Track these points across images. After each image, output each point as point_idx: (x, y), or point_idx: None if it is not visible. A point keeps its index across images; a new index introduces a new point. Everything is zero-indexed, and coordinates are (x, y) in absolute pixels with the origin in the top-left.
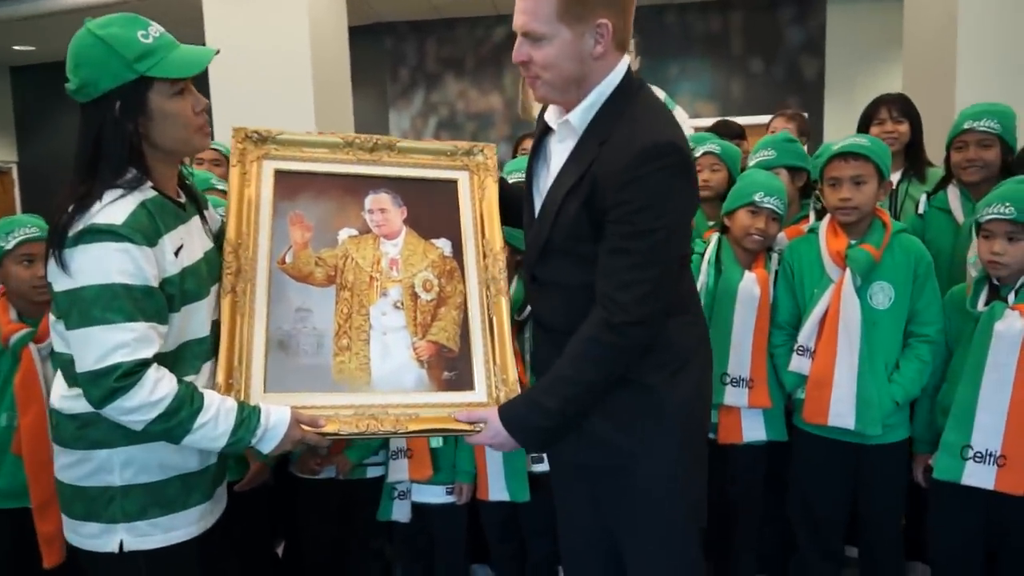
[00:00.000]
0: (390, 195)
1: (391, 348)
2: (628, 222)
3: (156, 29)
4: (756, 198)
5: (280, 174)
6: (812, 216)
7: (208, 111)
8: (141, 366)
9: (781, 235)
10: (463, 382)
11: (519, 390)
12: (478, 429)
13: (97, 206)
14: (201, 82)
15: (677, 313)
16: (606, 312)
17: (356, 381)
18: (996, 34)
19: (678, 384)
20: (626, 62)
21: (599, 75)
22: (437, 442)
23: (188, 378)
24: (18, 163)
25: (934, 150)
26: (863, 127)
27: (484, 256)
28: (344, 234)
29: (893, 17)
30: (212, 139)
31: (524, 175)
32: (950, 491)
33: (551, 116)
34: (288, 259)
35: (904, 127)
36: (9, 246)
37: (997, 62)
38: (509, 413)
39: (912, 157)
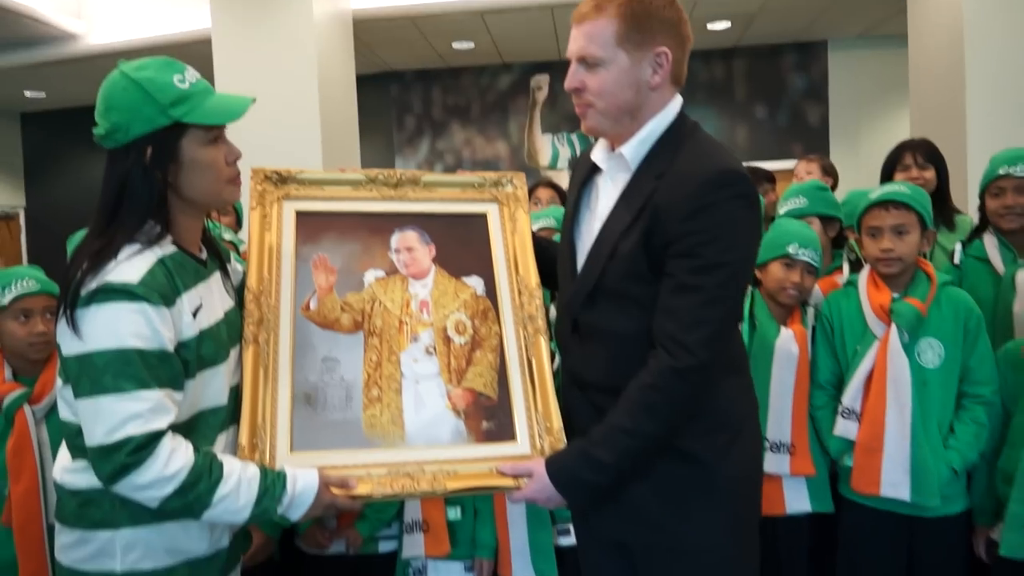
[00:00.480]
0: (417, 232)
1: (425, 398)
2: (695, 255)
3: (192, 74)
4: (790, 250)
5: (301, 215)
6: (846, 267)
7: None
8: (154, 438)
9: (816, 288)
10: (503, 432)
11: (564, 440)
12: (522, 484)
13: (112, 263)
14: None
15: (731, 373)
16: (669, 356)
17: (389, 435)
18: (1005, 75)
19: (732, 455)
20: (680, 100)
21: (654, 107)
22: (455, 514)
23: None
24: (25, 208)
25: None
26: (887, 174)
27: (519, 293)
28: (370, 276)
29: (896, 61)
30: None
31: (547, 224)
32: (1020, 570)
33: (599, 155)
34: (312, 305)
35: (930, 173)
36: (5, 301)
37: (1007, 103)
38: (557, 466)
39: (939, 204)
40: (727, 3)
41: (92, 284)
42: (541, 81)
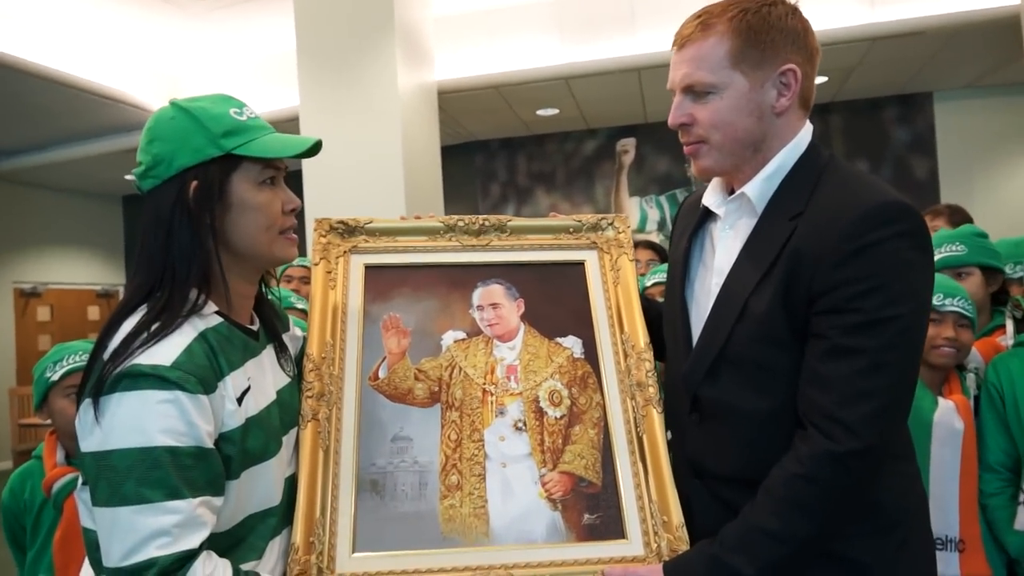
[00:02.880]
0: (503, 286)
1: (513, 484)
2: (854, 309)
3: (251, 110)
4: (936, 301)
5: (371, 270)
6: (1010, 326)
7: (299, 215)
8: (184, 560)
9: (974, 351)
10: (610, 528)
11: (686, 538)
12: None
13: (142, 339)
14: (296, 194)
15: (897, 459)
16: (825, 438)
17: (471, 532)
18: None
19: (903, 562)
20: (810, 127)
21: (781, 137)
22: None
23: (248, 565)
24: (125, 286)
25: None
26: None
27: (625, 356)
28: (449, 338)
29: (1010, 110)
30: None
31: (660, 280)
32: None
33: (712, 199)
34: (382, 374)
35: None
36: (55, 377)
37: None
38: (682, 574)
39: None
40: (825, 57)
41: (118, 367)
42: (627, 144)
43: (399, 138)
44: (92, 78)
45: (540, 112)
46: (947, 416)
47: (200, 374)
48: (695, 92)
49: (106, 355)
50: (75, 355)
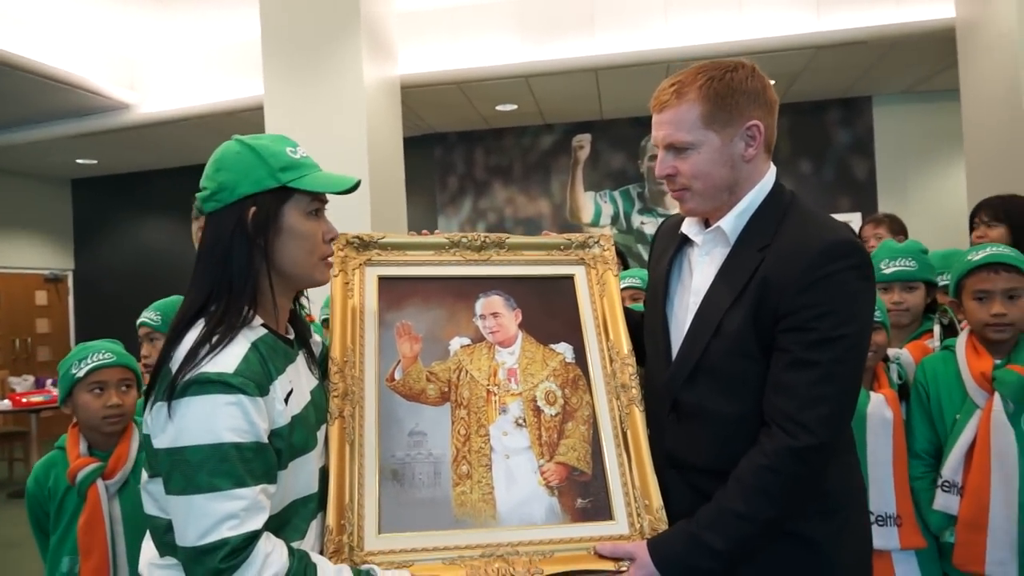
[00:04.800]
0: (502, 297)
1: (516, 473)
2: (811, 329)
3: (304, 150)
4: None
5: (384, 281)
6: (938, 331)
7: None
8: (251, 539)
9: (906, 352)
10: (600, 511)
11: (665, 519)
12: (623, 568)
13: (206, 348)
14: None
15: (840, 452)
16: (787, 436)
17: (480, 515)
18: None
19: (845, 538)
20: (774, 170)
21: (751, 179)
22: None
23: (293, 543)
24: (74, 271)
25: None
26: (970, 232)
27: (611, 361)
28: (456, 344)
29: (943, 114)
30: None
31: (632, 284)
32: None
33: (691, 229)
34: (397, 376)
35: (996, 232)
36: (80, 374)
37: None
38: (664, 550)
39: None
40: (771, 63)
41: (187, 374)
42: (583, 140)
43: (364, 130)
44: (47, 61)
45: (499, 107)
46: (878, 408)
47: (257, 379)
48: (675, 149)
49: (173, 363)
50: (98, 353)
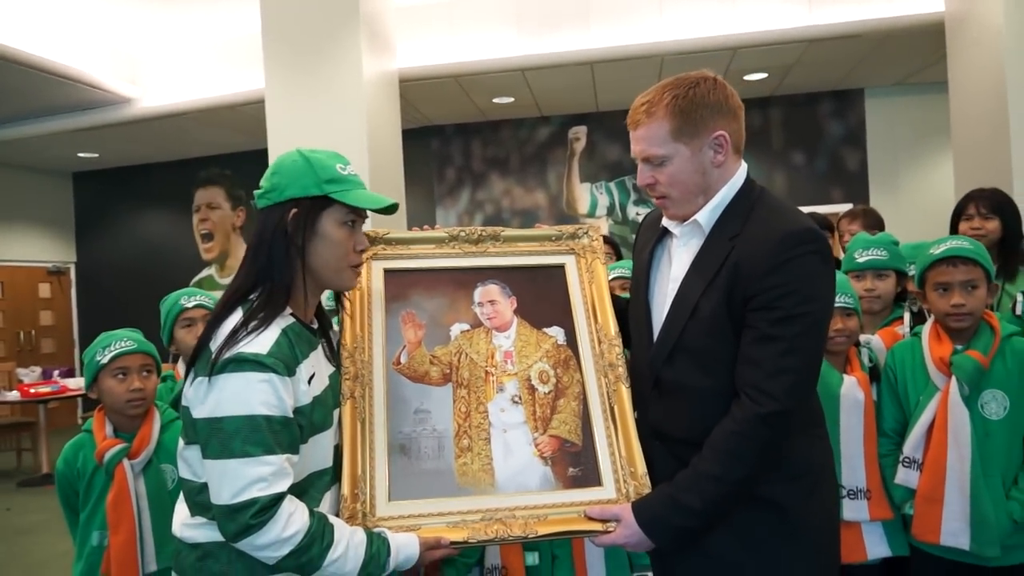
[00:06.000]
0: (499, 286)
1: (513, 446)
2: (775, 307)
3: (353, 169)
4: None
5: (389, 273)
6: (907, 318)
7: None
8: (277, 500)
9: (877, 339)
10: (589, 478)
11: (649, 484)
12: (610, 528)
13: (243, 332)
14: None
15: (809, 425)
16: (754, 404)
17: (480, 483)
18: None
19: (812, 504)
20: (745, 167)
21: (723, 180)
22: (533, 559)
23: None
24: (76, 264)
25: None
26: (953, 223)
27: (599, 342)
28: (456, 329)
29: (934, 107)
30: None
31: (622, 274)
32: None
33: (670, 222)
34: (403, 359)
35: (993, 224)
36: (105, 360)
37: None
38: (646, 512)
39: (1006, 255)
40: (765, 56)
41: (226, 353)
42: (579, 132)
43: (364, 123)
44: (48, 56)
45: (496, 100)
46: (851, 389)
47: (286, 361)
48: (651, 162)
49: (213, 343)
50: (121, 341)
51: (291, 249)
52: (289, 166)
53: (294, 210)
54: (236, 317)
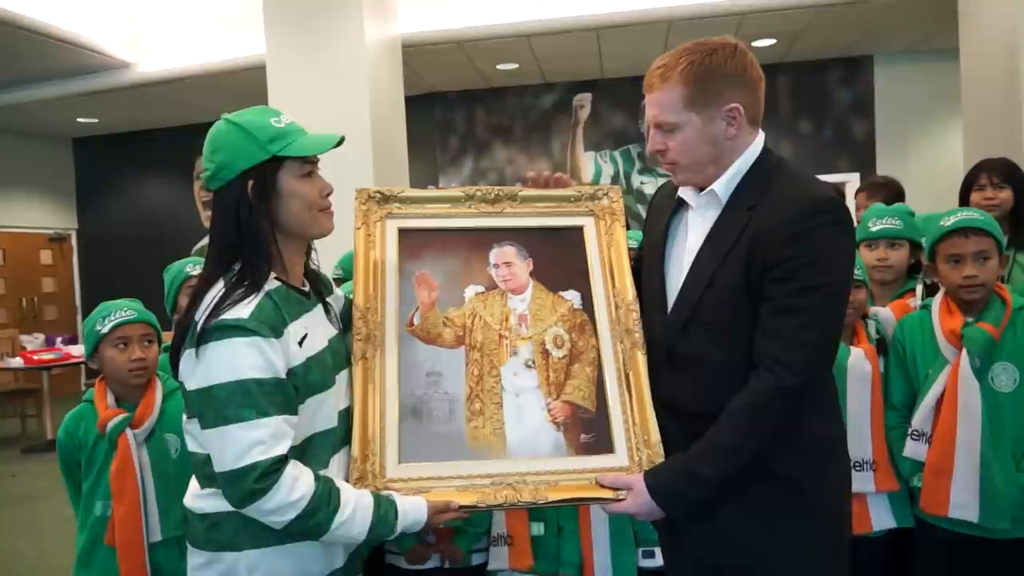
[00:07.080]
0: (515, 247)
1: (525, 410)
2: (794, 278)
3: (286, 118)
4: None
5: (403, 233)
6: (920, 290)
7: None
8: (279, 464)
9: (887, 311)
10: (602, 445)
11: (662, 453)
12: (621, 497)
13: (226, 303)
14: None
15: (822, 400)
16: (773, 376)
17: (491, 448)
18: None
19: (825, 480)
20: (762, 136)
21: (736, 152)
22: (538, 529)
23: (319, 472)
24: (77, 230)
25: None
26: (964, 193)
27: (616, 307)
28: (471, 291)
29: (944, 74)
30: None
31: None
32: None
33: (687, 193)
34: (416, 321)
35: (1006, 193)
36: (105, 330)
37: None
38: (659, 481)
39: (1017, 225)
40: (773, 21)
41: (209, 323)
42: (584, 99)
43: (366, 89)
44: (46, 20)
45: (500, 66)
46: (858, 361)
47: (270, 323)
48: (663, 128)
49: (198, 316)
50: (121, 311)
51: (261, 221)
52: (226, 139)
53: (251, 182)
54: (215, 290)
